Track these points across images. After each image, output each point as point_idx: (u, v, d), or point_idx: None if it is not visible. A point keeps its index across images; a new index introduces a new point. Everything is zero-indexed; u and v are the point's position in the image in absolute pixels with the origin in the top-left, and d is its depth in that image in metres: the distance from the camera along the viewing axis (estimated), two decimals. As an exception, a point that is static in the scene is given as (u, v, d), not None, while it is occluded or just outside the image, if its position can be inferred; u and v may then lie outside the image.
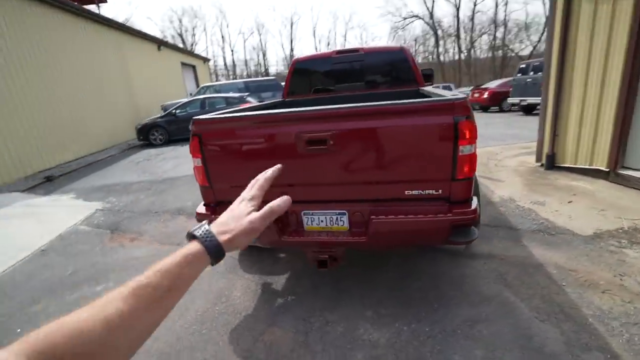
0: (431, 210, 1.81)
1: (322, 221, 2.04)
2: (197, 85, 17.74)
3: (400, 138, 1.80)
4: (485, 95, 12.67)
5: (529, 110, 11.11)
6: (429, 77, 4.90)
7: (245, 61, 50.15)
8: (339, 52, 3.69)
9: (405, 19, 39.49)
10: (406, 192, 1.88)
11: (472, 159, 1.79)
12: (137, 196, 5.02)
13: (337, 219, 2.01)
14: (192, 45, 46.41)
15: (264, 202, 0.57)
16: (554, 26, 4.19)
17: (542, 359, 1.66)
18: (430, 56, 39.76)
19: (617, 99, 3.59)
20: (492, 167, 4.99)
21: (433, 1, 39.08)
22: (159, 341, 2.06)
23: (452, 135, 1.73)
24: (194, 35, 49.11)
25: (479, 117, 11.75)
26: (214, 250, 0.49)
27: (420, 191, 1.87)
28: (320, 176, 1.97)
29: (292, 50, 51.20)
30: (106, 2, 14.35)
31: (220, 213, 1.88)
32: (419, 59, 41.80)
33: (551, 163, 4.53)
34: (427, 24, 38.02)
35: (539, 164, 4.79)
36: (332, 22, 73.00)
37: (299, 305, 2.28)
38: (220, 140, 2.07)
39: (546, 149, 4.57)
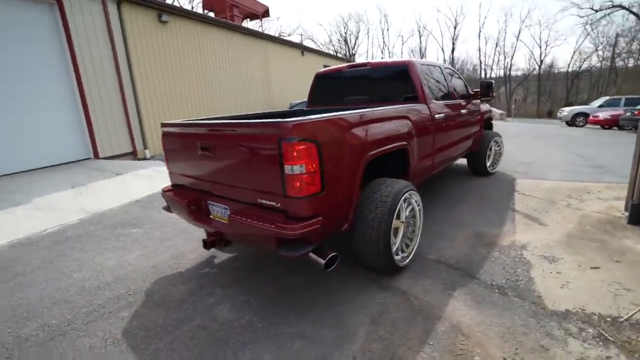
0: (265, 219, 2.00)
1: (217, 212, 2.48)
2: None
3: (247, 153, 2.06)
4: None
5: None
6: (486, 89, 4.35)
7: (402, 63, 50.17)
8: (350, 66, 3.81)
9: (597, 10, 29.85)
10: (258, 200, 2.12)
11: (301, 179, 1.88)
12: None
13: (223, 212, 2.41)
14: (354, 47, 49.98)
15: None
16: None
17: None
18: (642, 57, 29.66)
19: None
20: (556, 208, 3.94)
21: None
22: (165, 255, 2.98)
23: (276, 154, 1.88)
24: (357, 38, 52.58)
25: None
26: None
27: (266, 201, 2.07)
28: (213, 175, 2.41)
29: (452, 52, 48.01)
30: (269, 16, 17.53)
31: (176, 194, 2.70)
32: (622, 62, 31.74)
33: (637, 215, 3.28)
34: (636, 14, 28.10)
35: (625, 213, 3.50)
36: (504, 20, 63.46)
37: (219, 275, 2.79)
38: (169, 138, 2.77)
39: (636, 194, 3.33)
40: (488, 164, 5.29)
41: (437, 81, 3.86)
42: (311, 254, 2.06)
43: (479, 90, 4.57)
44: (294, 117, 1.99)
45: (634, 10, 28.03)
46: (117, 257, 3.26)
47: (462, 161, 5.48)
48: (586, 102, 21.89)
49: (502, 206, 4.08)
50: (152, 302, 2.48)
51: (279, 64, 14.38)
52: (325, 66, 19.59)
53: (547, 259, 2.80)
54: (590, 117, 14.20)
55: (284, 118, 1.98)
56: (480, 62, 48.35)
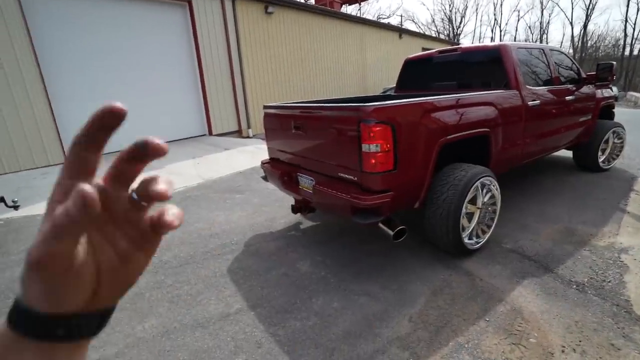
0: (343, 190, 2.33)
1: (305, 182, 2.91)
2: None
3: (333, 131, 2.39)
4: None
5: None
6: (604, 72, 3.88)
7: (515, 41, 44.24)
8: (440, 51, 3.77)
9: None
10: (339, 173, 2.45)
11: (376, 157, 2.14)
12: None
13: (310, 183, 2.82)
14: (459, 26, 45.85)
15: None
16: None
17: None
18: None
19: None
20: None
21: None
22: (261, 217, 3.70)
23: (355, 134, 2.16)
24: (463, 16, 48.21)
25: None
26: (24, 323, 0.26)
27: (346, 175, 2.39)
28: (303, 150, 2.82)
29: (585, 26, 40.04)
30: (367, 0, 17.36)
31: (272, 166, 3.53)
32: None
33: None
34: None
35: None
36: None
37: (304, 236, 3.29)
38: (268, 118, 3.28)
39: None
40: (602, 158, 4.64)
41: (537, 66, 3.57)
42: (381, 225, 2.33)
43: (594, 73, 4.03)
44: (376, 102, 2.24)
45: None
46: (225, 215, 4.02)
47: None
48: None
49: (608, 205, 3.63)
50: (249, 251, 3.09)
51: (375, 47, 14.34)
52: (423, 49, 18.73)
53: (652, 265, 2.51)
54: None
55: (367, 103, 2.24)
56: (626, 35, 39.34)
